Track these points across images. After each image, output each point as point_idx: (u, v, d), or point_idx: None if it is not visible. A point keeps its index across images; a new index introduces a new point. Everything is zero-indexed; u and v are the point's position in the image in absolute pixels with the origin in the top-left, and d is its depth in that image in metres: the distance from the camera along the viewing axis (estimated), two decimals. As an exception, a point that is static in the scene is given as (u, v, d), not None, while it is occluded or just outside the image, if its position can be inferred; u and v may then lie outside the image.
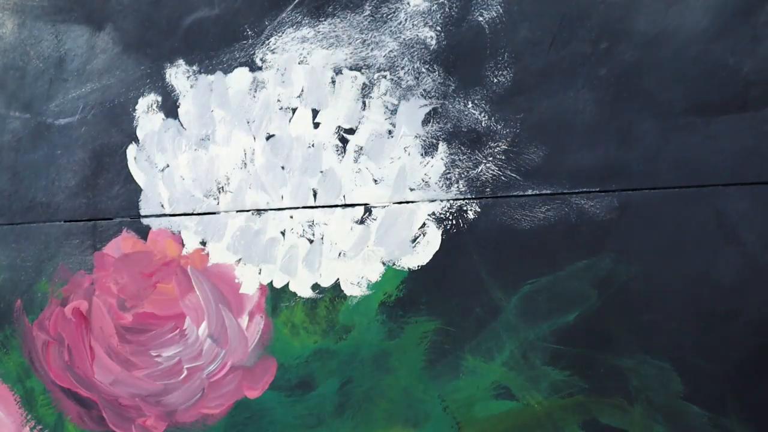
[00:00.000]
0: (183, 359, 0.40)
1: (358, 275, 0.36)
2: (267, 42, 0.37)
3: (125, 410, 0.42)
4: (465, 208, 0.34)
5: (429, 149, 0.34)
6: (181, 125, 0.39)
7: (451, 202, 0.34)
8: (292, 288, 0.37)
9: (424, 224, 0.34)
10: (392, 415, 0.35)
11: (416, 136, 0.34)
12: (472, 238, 0.34)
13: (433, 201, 0.34)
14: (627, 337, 0.31)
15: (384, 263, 0.35)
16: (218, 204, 0.38)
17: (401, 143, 0.35)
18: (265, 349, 0.38)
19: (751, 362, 0.30)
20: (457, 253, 0.34)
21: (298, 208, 0.36)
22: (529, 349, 0.33)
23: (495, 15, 0.33)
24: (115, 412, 0.42)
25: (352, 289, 0.36)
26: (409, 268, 0.35)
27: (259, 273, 0.38)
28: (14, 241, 0.44)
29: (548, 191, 0.32)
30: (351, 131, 0.36)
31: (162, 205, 0.39)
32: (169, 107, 0.40)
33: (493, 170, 0.33)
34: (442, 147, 0.34)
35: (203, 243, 0.39)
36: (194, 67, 0.39)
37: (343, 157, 0.36)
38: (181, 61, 0.39)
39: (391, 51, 0.35)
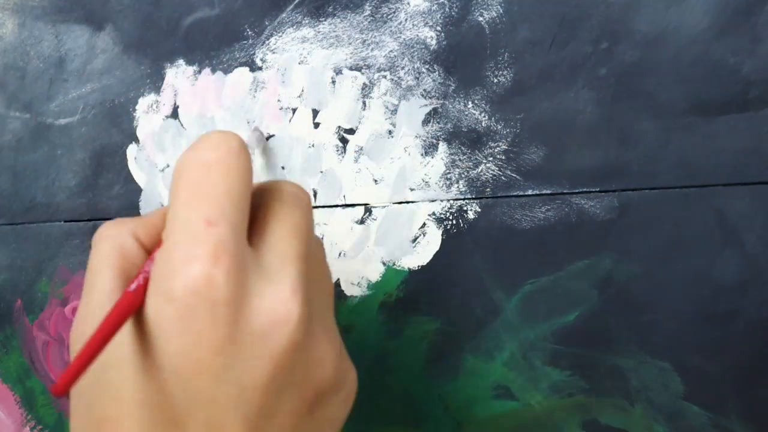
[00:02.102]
0: (183, 359, 0.40)
1: (358, 275, 0.36)
2: (267, 42, 0.37)
3: (125, 410, 0.42)
4: (465, 208, 0.34)
5: (429, 149, 0.34)
6: (181, 125, 0.39)
7: (451, 202, 0.34)
8: (292, 288, 0.37)
9: (424, 224, 0.34)
10: (392, 415, 0.35)
11: (416, 136, 0.34)
12: (472, 238, 0.34)
13: (433, 201, 0.34)
14: (627, 337, 0.31)
15: (384, 263, 0.35)
16: (218, 204, 0.38)
17: (401, 143, 0.35)
18: (265, 349, 0.38)
19: (751, 362, 0.30)
20: (457, 253, 0.34)
21: (298, 208, 0.36)
22: (529, 349, 0.33)
23: (495, 15, 0.33)
24: (115, 412, 0.42)
25: (352, 289, 0.36)
26: (409, 268, 0.35)
27: (259, 273, 0.38)
28: (14, 241, 0.44)
29: (548, 191, 0.32)
30: (351, 131, 0.36)
31: (162, 205, 0.39)
32: (170, 107, 0.40)
33: (493, 170, 0.33)
34: (442, 147, 0.34)
35: (203, 243, 0.39)
36: (194, 67, 0.39)
37: (343, 157, 0.36)
38: (181, 61, 0.39)
39: (391, 51, 0.35)
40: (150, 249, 0.24)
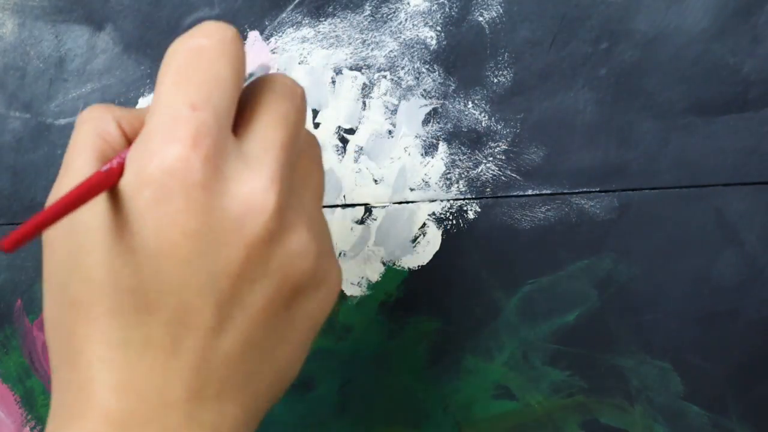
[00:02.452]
0: (183, 359, 0.40)
1: (358, 275, 0.36)
2: (267, 42, 0.37)
3: (125, 410, 0.42)
4: (465, 208, 0.34)
5: (429, 149, 0.34)
6: (181, 125, 0.39)
7: (451, 202, 0.34)
8: (292, 288, 0.37)
9: (424, 224, 0.34)
10: (392, 415, 0.35)
11: (416, 136, 0.34)
12: (472, 238, 0.34)
13: (433, 201, 0.34)
14: (627, 337, 0.31)
15: (384, 263, 0.35)
16: (218, 204, 0.38)
17: (401, 143, 0.35)
18: (265, 349, 0.38)
19: (751, 362, 0.30)
20: (457, 253, 0.34)
21: (298, 208, 0.36)
22: (529, 349, 0.33)
23: (495, 15, 0.33)
24: (115, 412, 0.42)
25: (353, 289, 0.36)
26: (409, 268, 0.35)
27: (259, 273, 0.38)
28: (14, 241, 0.44)
29: (548, 191, 0.32)
30: (351, 131, 0.36)
31: (162, 205, 0.39)
32: (169, 107, 0.40)
33: (493, 170, 0.33)
34: (443, 147, 0.34)
35: (203, 243, 0.39)
36: (194, 67, 0.39)
37: (343, 157, 0.36)
38: (181, 61, 0.39)
39: (391, 51, 0.35)
40: (133, 139, 0.23)
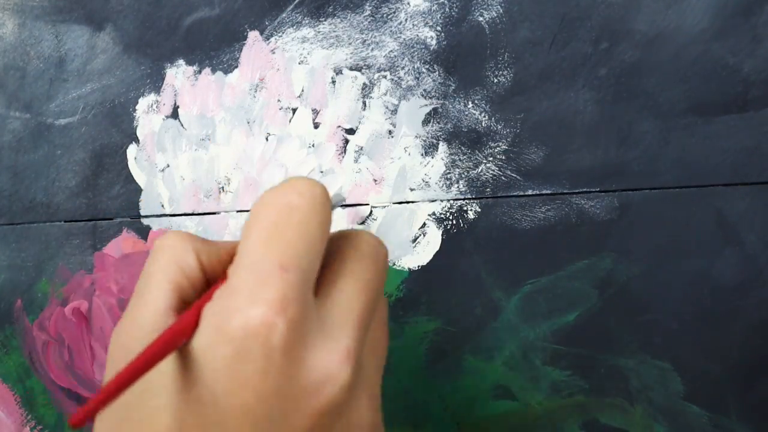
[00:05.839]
0: (183, 359, 0.40)
1: (358, 275, 0.36)
2: (267, 42, 0.37)
3: (125, 410, 0.42)
4: (465, 208, 0.34)
5: (429, 149, 0.34)
6: (181, 125, 0.39)
7: (452, 202, 0.34)
8: (292, 288, 0.37)
9: (424, 224, 0.34)
10: (392, 415, 0.35)
11: (416, 136, 0.34)
12: (472, 238, 0.34)
13: (433, 201, 0.34)
14: (627, 337, 0.31)
15: (384, 263, 0.35)
16: (218, 204, 0.38)
17: (401, 143, 0.35)
18: (265, 349, 0.38)
19: (751, 362, 0.30)
20: (457, 253, 0.34)
21: (298, 208, 0.36)
22: (529, 349, 0.33)
23: (495, 15, 0.33)
24: (115, 412, 0.42)
25: (352, 289, 0.36)
26: (409, 268, 0.35)
27: (259, 273, 0.38)
28: (14, 241, 0.44)
29: (548, 191, 0.32)
30: (351, 131, 0.36)
31: (162, 205, 0.39)
32: (170, 107, 0.40)
33: (494, 170, 0.33)
34: (443, 147, 0.34)
35: (203, 243, 0.39)
36: (194, 67, 0.39)
37: (343, 157, 0.36)
38: (181, 61, 0.39)
39: (391, 51, 0.35)
40: (209, 274, 0.22)
